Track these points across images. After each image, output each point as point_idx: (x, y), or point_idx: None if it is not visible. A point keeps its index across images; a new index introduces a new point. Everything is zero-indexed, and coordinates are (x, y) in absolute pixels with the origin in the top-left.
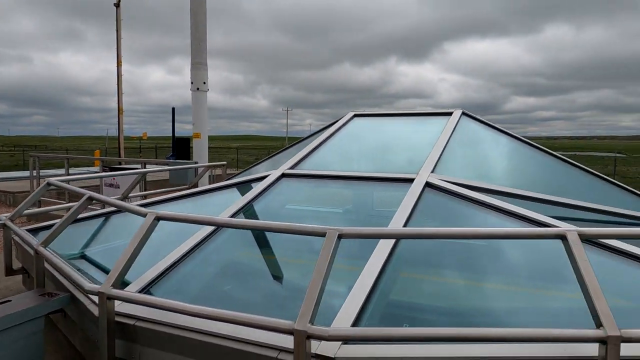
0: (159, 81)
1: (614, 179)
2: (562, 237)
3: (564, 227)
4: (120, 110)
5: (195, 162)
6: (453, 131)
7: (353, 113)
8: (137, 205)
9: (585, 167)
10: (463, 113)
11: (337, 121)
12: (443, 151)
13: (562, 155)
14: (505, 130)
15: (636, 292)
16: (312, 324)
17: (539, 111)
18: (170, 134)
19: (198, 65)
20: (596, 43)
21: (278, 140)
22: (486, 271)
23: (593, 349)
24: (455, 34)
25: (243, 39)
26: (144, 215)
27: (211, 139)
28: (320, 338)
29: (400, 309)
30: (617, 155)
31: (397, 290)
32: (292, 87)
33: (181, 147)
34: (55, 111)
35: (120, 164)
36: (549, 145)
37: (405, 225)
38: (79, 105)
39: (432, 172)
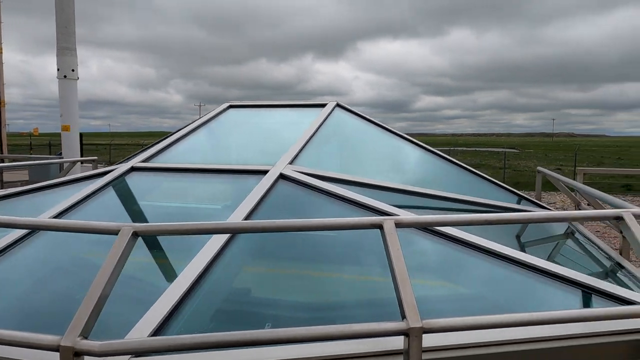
0: None
1: (504, 172)
2: (379, 227)
3: (400, 215)
4: (2, 102)
5: (61, 157)
6: (323, 123)
7: (229, 104)
8: None
9: (454, 160)
10: (337, 105)
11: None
12: (307, 142)
13: (465, 150)
14: (378, 122)
15: (460, 278)
16: (86, 337)
17: (445, 110)
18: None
19: (65, 50)
20: (494, 47)
21: None
22: (323, 263)
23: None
24: (368, 33)
25: (155, 31)
26: None
27: (120, 135)
28: (89, 354)
29: (217, 312)
30: (511, 150)
31: (219, 292)
32: (208, 82)
33: None
34: None
35: (2, 161)
36: (453, 142)
37: (247, 218)
38: None
39: (291, 163)
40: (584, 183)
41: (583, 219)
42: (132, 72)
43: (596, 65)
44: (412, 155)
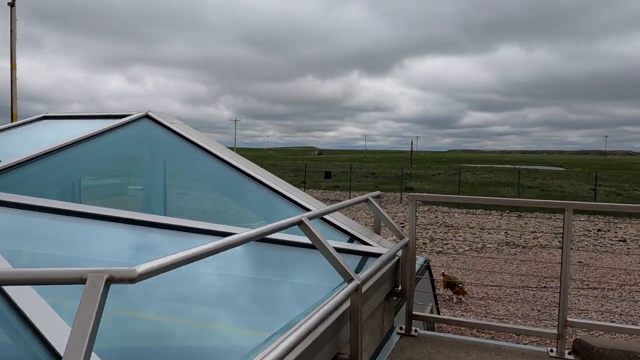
0: (117, 89)
1: (519, 190)
2: None
3: None
4: (14, 116)
5: None
6: (92, 137)
7: (43, 114)
8: None
9: (265, 180)
10: (146, 116)
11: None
12: (32, 159)
13: (510, 167)
14: (192, 139)
15: None
16: None
17: (493, 126)
18: None
19: None
20: (543, 63)
21: None
22: None
23: None
24: (414, 50)
25: (207, 49)
26: None
27: None
28: None
29: None
30: (556, 168)
31: None
32: (255, 98)
33: None
34: None
35: None
36: (498, 159)
37: None
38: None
39: None
40: None
41: None
42: (183, 88)
43: None
44: (211, 177)
